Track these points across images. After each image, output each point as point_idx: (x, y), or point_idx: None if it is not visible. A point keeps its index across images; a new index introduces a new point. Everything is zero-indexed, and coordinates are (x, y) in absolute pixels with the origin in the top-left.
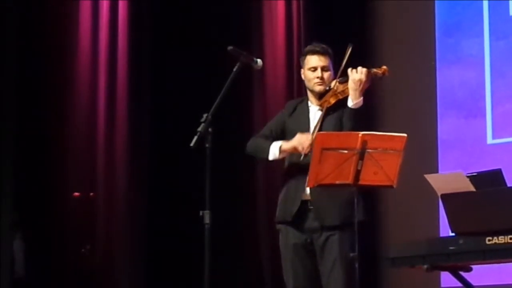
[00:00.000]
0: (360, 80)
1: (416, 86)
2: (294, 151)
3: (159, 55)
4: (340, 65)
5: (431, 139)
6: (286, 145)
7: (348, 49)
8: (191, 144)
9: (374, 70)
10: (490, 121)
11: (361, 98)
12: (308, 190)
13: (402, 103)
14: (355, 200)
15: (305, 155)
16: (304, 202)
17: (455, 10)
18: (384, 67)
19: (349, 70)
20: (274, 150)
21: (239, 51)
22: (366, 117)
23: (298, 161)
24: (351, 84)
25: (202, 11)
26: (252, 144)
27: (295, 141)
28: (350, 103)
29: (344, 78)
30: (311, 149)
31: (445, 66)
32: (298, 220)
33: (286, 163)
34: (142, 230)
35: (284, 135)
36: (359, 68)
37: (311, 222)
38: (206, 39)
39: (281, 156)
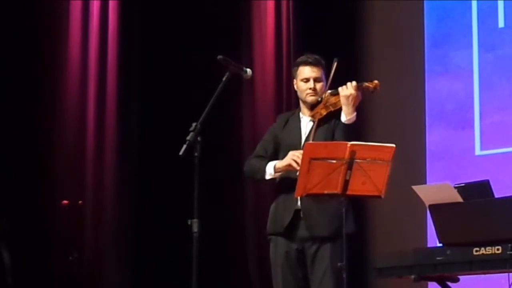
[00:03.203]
0: (351, 95)
1: (404, 97)
2: (289, 168)
3: (148, 62)
4: (329, 75)
5: (419, 150)
6: (280, 163)
7: (334, 63)
8: (180, 153)
9: (366, 84)
10: (478, 132)
11: (355, 113)
12: (299, 200)
13: (390, 113)
14: (344, 210)
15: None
16: (296, 212)
17: (444, 21)
18: (376, 81)
19: (340, 88)
20: (270, 170)
21: (228, 60)
22: (356, 128)
23: (295, 176)
24: (343, 100)
25: (192, 18)
26: (248, 167)
27: (288, 159)
28: (344, 119)
29: (335, 91)
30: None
31: (433, 77)
32: (289, 229)
33: (280, 176)
34: (130, 239)
35: (278, 150)
36: (349, 83)
37: (302, 231)
38: (196, 47)
39: (277, 174)
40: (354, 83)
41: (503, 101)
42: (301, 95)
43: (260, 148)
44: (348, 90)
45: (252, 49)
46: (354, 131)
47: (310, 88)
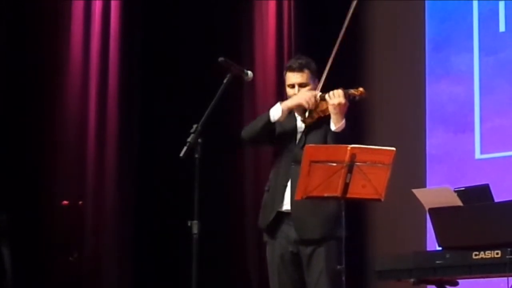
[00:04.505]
0: (339, 103)
1: (405, 100)
2: (299, 107)
3: (149, 62)
4: (330, 80)
5: (419, 153)
6: (290, 102)
7: (353, 2)
8: (181, 155)
9: (351, 91)
10: (478, 136)
11: (344, 121)
12: (287, 201)
13: (391, 117)
14: (343, 213)
15: (310, 111)
16: (286, 213)
17: (445, 25)
18: (361, 89)
19: (327, 95)
20: (276, 111)
21: (230, 62)
22: (354, 130)
23: (303, 118)
24: (331, 109)
25: (194, 18)
26: (246, 127)
27: (300, 98)
28: (333, 127)
29: (324, 95)
30: (316, 104)
31: (434, 80)
32: (283, 231)
33: (274, 167)
34: (130, 240)
35: (272, 137)
36: (336, 91)
37: (294, 233)
38: (197, 47)
39: (284, 115)
40: (340, 90)
41: (503, 105)
42: None
43: None
44: (336, 98)
45: (253, 50)
46: (345, 139)
47: (295, 94)
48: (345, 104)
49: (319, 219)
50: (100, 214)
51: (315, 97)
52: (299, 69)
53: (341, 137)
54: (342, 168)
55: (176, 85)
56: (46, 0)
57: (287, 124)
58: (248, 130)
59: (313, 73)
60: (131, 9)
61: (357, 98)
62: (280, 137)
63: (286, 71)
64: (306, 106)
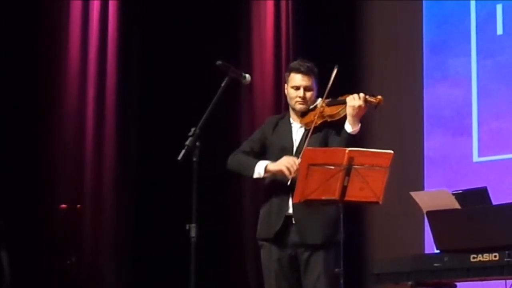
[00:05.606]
0: (359, 106)
1: (403, 103)
2: (280, 174)
3: (147, 63)
4: (326, 84)
5: (417, 156)
6: (273, 166)
7: (334, 70)
8: (179, 158)
9: (369, 98)
10: (476, 139)
11: (359, 124)
12: (291, 205)
13: (389, 120)
14: (341, 216)
15: (292, 178)
16: (288, 218)
17: (443, 28)
18: (379, 97)
19: (348, 97)
20: (259, 170)
21: (227, 66)
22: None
23: (286, 180)
24: (349, 110)
25: (192, 19)
26: (234, 160)
27: (281, 164)
28: (349, 129)
29: (332, 101)
30: (297, 173)
31: (432, 84)
32: (281, 235)
33: (268, 178)
34: (128, 243)
35: (265, 152)
36: (356, 94)
37: (294, 237)
38: (195, 48)
39: (265, 175)
40: (362, 94)
41: (501, 108)
42: (290, 102)
43: (246, 145)
44: (356, 101)
45: (251, 52)
46: (356, 142)
47: (299, 97)
48: (364, 108)
49: (320, 222)
50: (98, 218)
51: (296, 164)
52: (307, 72)
53: (355, 140)
54: (340, 171)
55: (174, 86)
56: (45, 0)
57: (282, 129)
58: (233, 166)
59: (316, 78)
60: (129, 9)
61: (374, 105)
62: (276, 147)
63: (291, 72)
64: (287, 173)
